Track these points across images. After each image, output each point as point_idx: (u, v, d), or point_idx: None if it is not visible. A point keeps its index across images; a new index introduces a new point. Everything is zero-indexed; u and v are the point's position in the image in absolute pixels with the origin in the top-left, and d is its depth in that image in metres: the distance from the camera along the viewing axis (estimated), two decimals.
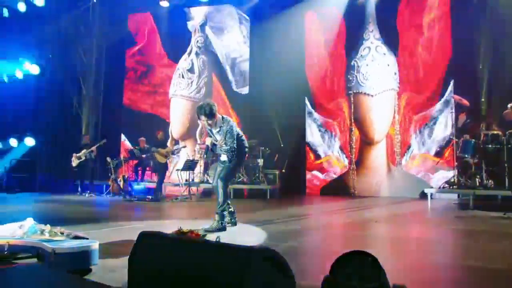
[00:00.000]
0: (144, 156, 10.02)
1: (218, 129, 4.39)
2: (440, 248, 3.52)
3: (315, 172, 10.23)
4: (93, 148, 9.52)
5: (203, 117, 4.27)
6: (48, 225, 3.03)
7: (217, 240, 2.00)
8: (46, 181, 11.13)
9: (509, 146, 6.25)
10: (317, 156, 10.29)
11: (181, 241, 1.78)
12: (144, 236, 1.77)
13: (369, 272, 1.16)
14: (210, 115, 4.24)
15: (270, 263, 1.41)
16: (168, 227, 3.20)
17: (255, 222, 4.74)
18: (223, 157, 4.45)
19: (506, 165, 6.26)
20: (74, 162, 9.41)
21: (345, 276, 1.19)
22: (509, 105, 6.77)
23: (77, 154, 9.41)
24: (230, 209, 4.45)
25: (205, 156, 4.79)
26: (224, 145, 4.35)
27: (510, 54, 8.04)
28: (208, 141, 4.55)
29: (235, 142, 4.33)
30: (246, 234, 4.02)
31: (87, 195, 9.15)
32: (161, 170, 8.93)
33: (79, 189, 9.45)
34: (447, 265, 2.80)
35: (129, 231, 3.97)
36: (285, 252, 3.00)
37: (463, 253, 3.35)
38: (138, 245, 1.74)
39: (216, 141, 4.46)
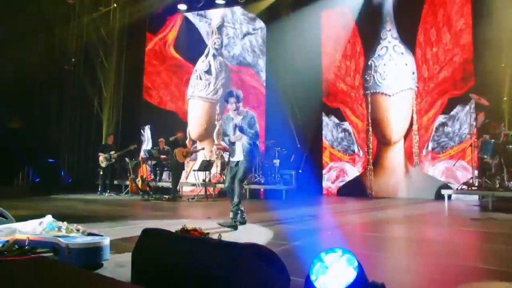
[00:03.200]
0: (162, 157, 10.21)
1: (241, 117, 4.59)
2: (446, 249, 3.49)
3: (330, 174, 10.21)
4: (124, 151, 9.73)
5: (233, 100, 4.52)
6: (65, 222, 3.18)
7: (219, 238, 2.06)
8: (68, 180, 11.50)
9: None
10: (334, 157, 10.26)
11: (181, 238, 1.86)
12: (147, 232, 1.86)
13: (344, 268, 1.20)
14: (239, 99, 4.56)
15: (261, 259, 1.47)
16: (180, 226, 3.29)
17: (267, 221, 4.79)
18: (239, 151, 4.54)
19: None
20: (104, 163, 9.65)
21: (323, 273, 1.23)
22: None
23: (104, 155, 9.64)
24: (241, 208, 4.54)
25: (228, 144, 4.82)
26: (250, 129, 4.49)
27: None
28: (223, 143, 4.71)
29: (257, 130, 4.56)
30: (256, 233, 4.07)
31: (106, 194, 9.41)
32: (178, 169, 9.03)
33: (99, 188, 9.71)
34: (448, 266, 2.78)
35: (142, 229, 4.10)
36: (290, 251, 3.05)
37: (470, 254, 3.31)
38: (141, 241, 1.83)
39: (227, 135, 4.62)
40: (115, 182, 10.35)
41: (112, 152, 9.63)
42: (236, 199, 4.44)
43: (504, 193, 6.51)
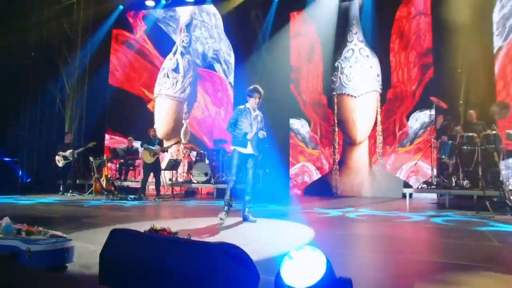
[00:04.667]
0: (129, 156, 10.00)
1: (256, 114, 4.93)
2: (405, 245, 3.66)
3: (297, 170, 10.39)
4: (82, 149, 9.40)
5: (259, 95, 4.87)
6: (25, 224, 3.05)
7: (188, 237, 2.06)
8: (26, 180, 11.00)
9: (483, 148, 6.45)
10: (301, 157, 10.44)
11: (151, 237, 1.84)
12: (116, 232, 1.83)
13: (313, 265, 1.25)
14: (261, 96, 4.93)
15: (231, 257, 1.49)
16: (148, 226, 3.25)
17: (236, 221, 4.81)
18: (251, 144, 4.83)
19: (479, 166, 6.45)
20: (60, 163, 9.30)
21: (293, 269, 1.27)
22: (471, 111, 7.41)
23: (63, 154, 9.30)
24: (232, 202, 4.92)
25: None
26: (263, 131, 4.85)
27: (483, 57, 8.37)
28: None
29: None
30: (225, 233, 4.08)
31: (69, 194, 9.08)
32: (147, 169, 8.73)
33: (61, 188, 9.36)
34: (408, 261, 2.93)
35: (108, 230, 4.01)
36: (259, 250, 3.09)
37: (427, 249, 3.49)
38: (110, 241, 1.79)
39: (239, 127, 4.82)
40: (78, 181, 10.02)
41: (70, 151, 9.31)
42: (249, 189, 4.85)
43: (459, 191, 6.88)
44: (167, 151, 8.93)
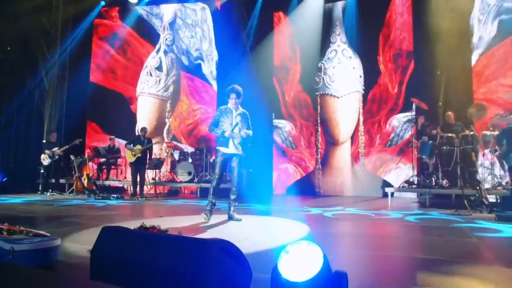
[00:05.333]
0: (111, 155, 9.85)
1: (238, 112, 4.89)
2: (390, 243, 3.75)
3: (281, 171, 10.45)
4: (67, 147, 9.20)
5: (234, 95, 4.81)
6: (6, 224, 2.97)
7: (179, 234, 2.06)
8: (2, 179, 10.67)
9: (461, 148, 6.65)
10: (284, 157, 10.50)
11: (142, 235, 1.84)
12: (107, 230, 1.81)
13: (310, 259, 1.27)
14: (239, 95, 4.86)
15: (226, 254, 1.50)
16: (133, 225, 3.21)
17: (223, 219, 4.82)
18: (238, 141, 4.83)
19: (458, 166, 6.65)
20: (45, 161, 9.09)
21: (290, 264, 1.30)
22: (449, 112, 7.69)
23: (48, 152, 9.11)
24: (215, 201, 4.85)
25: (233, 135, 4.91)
26: (247, 130, 4.85)
27: (461, 59, 8.64)
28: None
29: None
30: (214, 231, 4.08)
31: (48, 194, 8.88)
32: (132, 168, 8.60)
33: (40, 187, 9.14)
34: (393, 257, 3.00)
35: (92, 229, 3.96)
36: (245, 248, 3.10)
37: (411, 246, 3.59)
38: (101, 239, 1.78)
39: (219, 127, 4.81)
40: (61, 181, 9.80)
41: (56, 148, 9.12)
42: (235, 191, 4.84)
43: (439, 190, 7.08)
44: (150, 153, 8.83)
